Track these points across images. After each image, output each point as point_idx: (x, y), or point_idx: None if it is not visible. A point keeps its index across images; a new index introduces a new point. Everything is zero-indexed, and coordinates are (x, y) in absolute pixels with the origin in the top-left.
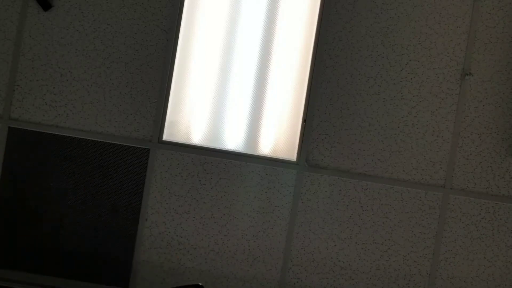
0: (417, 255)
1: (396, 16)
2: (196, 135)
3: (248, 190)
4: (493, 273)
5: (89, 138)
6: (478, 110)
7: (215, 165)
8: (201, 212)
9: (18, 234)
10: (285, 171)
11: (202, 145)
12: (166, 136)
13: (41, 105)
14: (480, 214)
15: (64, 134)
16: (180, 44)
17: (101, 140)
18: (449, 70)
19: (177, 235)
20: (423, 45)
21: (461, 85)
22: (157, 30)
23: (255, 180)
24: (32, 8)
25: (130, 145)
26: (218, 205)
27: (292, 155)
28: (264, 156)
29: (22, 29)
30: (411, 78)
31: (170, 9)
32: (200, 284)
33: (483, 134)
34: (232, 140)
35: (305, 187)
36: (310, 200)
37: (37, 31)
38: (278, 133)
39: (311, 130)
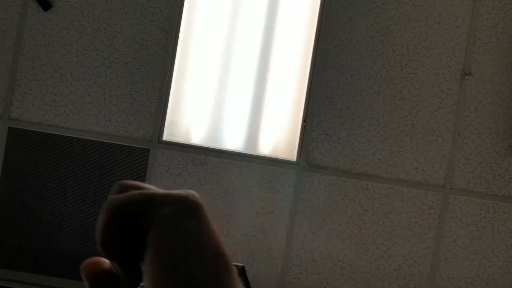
0: (417, 255)
1: (396, 16)
2: (196, 135)
3: (248, 190)
4: (493, 273)
5: (89, 138)
6: (478, 110)
7: (215, 165)
8: None
9: (18, 234)
10: (285, 171)
11: (202, 145)
12: (166, 136)
13: (41, 105)
14: (480, 214)
15: (64, 134)
16: (180, 44)
17: (101, 140)
18: (449, 70)
19: None
20: (423, 45)
21: (461, 85)
22: (157, 30)
23: (255, 180)
24: (32, 8)
25: (130, 145)
26: (218, 205)
27: (292, 155)
28: (264, 156)
29: (22, 29)
30: (411, 78)
31: (170, 9)
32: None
33: (483, 134)
34: (232, 140)
35: (305, 187)
36: (310, 200)
37: (37, 31)
38: (278, 133)
39: (311, 130)
